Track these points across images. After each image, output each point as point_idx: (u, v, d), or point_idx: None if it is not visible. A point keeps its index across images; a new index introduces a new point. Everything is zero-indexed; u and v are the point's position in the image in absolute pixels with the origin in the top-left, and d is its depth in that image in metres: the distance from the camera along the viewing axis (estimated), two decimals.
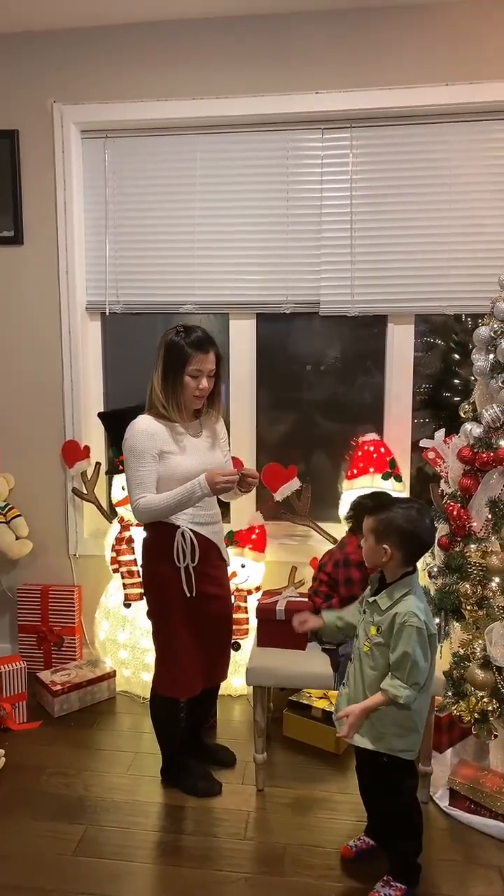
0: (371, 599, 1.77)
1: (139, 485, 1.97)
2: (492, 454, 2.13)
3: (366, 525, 1.76)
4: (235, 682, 2.79)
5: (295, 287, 2.87)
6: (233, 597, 2.74)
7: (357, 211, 2.79)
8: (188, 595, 2.03)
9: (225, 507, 2.28)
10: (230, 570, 2.52)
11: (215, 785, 2.22)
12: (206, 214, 2.88)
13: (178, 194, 2.89)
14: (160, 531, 2.04)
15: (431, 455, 2.69)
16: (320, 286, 2.84)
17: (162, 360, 2.03)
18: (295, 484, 2.85)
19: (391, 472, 2.81)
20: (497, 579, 2.10)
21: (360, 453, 2.84)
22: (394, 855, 1.83)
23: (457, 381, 3.19)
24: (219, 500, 2.18)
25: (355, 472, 2.83)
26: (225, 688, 2.78)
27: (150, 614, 2.14)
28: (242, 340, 2.99)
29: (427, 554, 2.43)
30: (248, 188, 2.84)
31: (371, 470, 2.81)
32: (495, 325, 2.16)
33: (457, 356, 3.16)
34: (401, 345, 2.92)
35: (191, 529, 2.03)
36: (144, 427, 2.01)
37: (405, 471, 2.98)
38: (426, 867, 1.89)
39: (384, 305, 2.84)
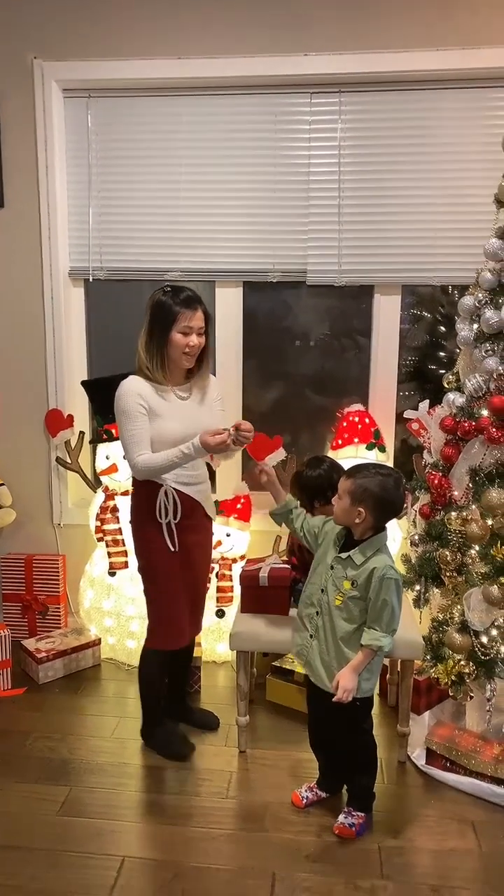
0: (344, 556, 1.83)
1: (135, 443, 1.99)
2: (473, 423, 2.14)
3: (342, 486, 1.83)
4: (220, 649, 2.83)
5: (282, 255, 2.84)
6: (217, 565, 2.78)
7: (345, 178, 2.75)
8: (172, 550, 2.07)
9: (211, 477, 2.29)
10: (215, 539, 2.55)
11: (187, 747, 2.26)
12: (192, 179, 2.83)
13: (163, 157, 2.83)
14: (146, 490, 2.07)
15: (415, 426, 2.71)
16: (307, 254, 2.82)
17: (148, 321, 2.03)
18: (280, 454, 2.86)
19: (375, 442, 2.83)
20: (476, 546, 2.14)
21: (345, 424, 2.85)
22: (355, 787, 1.97)
23: (442, 353, 3.20)
24: (208, 465, 2.21)
25: (340, 442, 2.84)
26: (209, 654, 2.83)
27: (140, 570, 2.18)
28: (229, 308, 2.96)
29: (409, 522, 2.48)
30: (234, 152, 2.79)
31: (356, 440, 2.83)
32: (480, 295, 2.16)
33: (443, 328, 3.16)
34: (387, 316, 2.91)
35: (174, 489, 2.06)
36: (132, 386, 2.02)
37: (389, 442, 3.00)
38: (403, 823, 1.96)
39: (371, 276, 2.83)
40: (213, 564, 2.64)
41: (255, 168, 2.79)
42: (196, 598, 2.24)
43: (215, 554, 2.71)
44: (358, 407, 2.87)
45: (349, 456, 2.75)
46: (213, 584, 2.76)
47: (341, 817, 1.93)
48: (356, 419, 2.83)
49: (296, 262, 2.83)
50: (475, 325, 2.18)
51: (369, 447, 2.81)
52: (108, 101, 2.82)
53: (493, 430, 2.07)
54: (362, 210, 2.77)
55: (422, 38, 2.57)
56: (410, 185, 2.72)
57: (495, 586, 2.04)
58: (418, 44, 2.57)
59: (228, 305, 2.96)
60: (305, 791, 2.04)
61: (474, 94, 2.65)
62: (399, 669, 2.25)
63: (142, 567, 2.17)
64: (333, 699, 1.79)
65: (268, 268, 2.85)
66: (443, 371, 2.80)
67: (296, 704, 2.51)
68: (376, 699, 2.57)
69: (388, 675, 2.55)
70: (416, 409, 2.69)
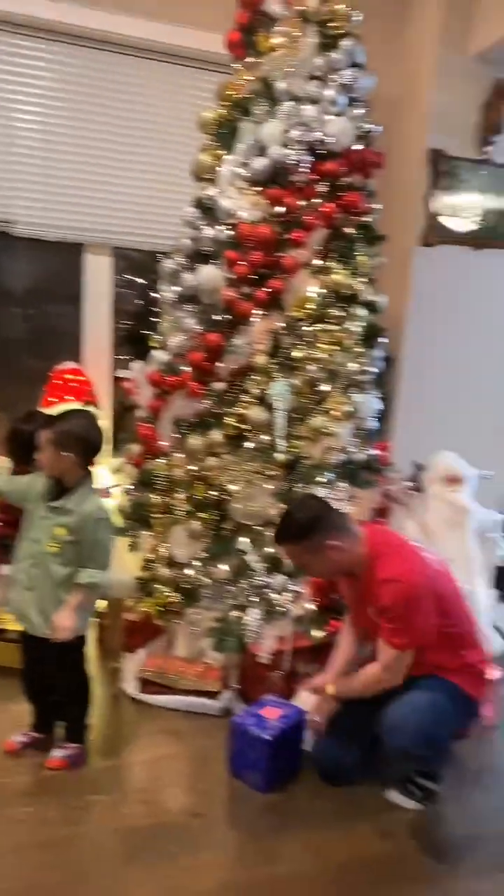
0: (55, 505, 1.87)
1: None
2: (176, 377, 2.36)
3: (44, 437, 1.86)
4: None
5: None
6: None
7: (54, 130, 2.72)
8: None
9: None
10: None
11: None
12: None
13: None
14: None
15: (129, 385, 2.85)
16: (12, 203, 2.71)
17: None
18: None
19: (90, 401, 2.89)
20: (181, 489, 2.37)
21: (58, 382, 2.85)
22: (70, 721, 2.04)
23: (155, 319, 3.39)
24: None
25: (53, 400, 2.83)
26: None
27: None
28: None
29: (124, 473, 2.62)
30: None
31: (70, 398, 2.84)
32: (180, 260, 2.37)
33: (155, 294, 3.35)
34: (98, 277, 2.98)
35: None
36: None
37: (107, 404, 3.09)
38: (116, 745, 2.11)
39: (81, 233, 2.85)
40: None
41: None
42: None
43: None
44: (71, 364, 2.89)
45: None
46: None
47: (54, 751, 1.98)
48: (70, 377, 2.85)
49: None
50: (176, 288, 2.39)
51: (85, 405, 2.86)
52: None
53: (193, 383, 2.31)
54: (73, 167, 2.77)
55: (135, 6, 2.65)
56: (121, 149, 2.82)
57: (196, 522, 2.30)
58: (130, 9, 2.65)
59: None
60: (20, 737, 2.05)
61: (180, 72, 2.84)
62: (112, 610, 2.39)
63: None
64: (52, 639, 1.83)
65: None
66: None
67: (14, 662, 2.47)
68: (94, 643, 2.70)
69: (103, 619, 2.67)
70: (129, 369, 2.82)
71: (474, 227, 3.03)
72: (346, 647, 2.08)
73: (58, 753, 1.98)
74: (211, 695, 2.29)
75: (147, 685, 2.39)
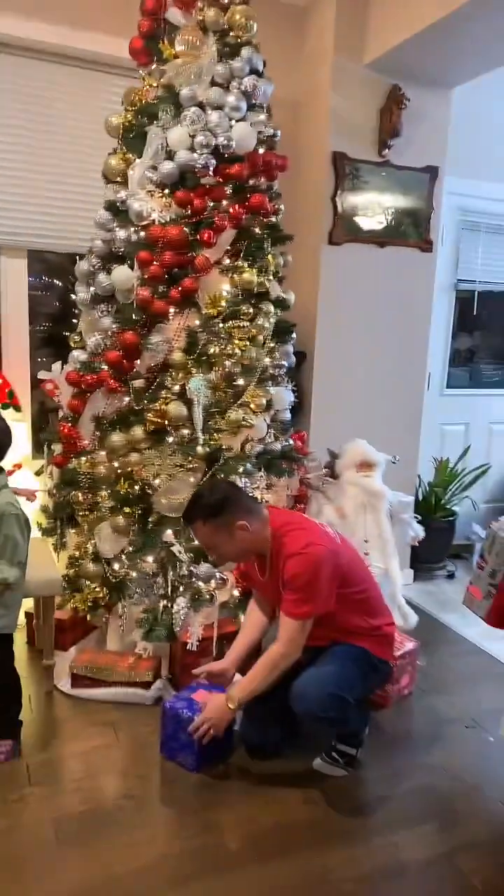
0: None
1: None
2: (95, 376, 2.40)
3: None
4: None
5: None
6: None
7: None
8: None
9: None
10: None
11: None
12: None
13: None
14: None
15: (49, 386, 2.86)
16: None
17: None
18: None
19: (10, 402, 2.88)
20: (104, 486, 2.42)
21: None
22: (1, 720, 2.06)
23: (75, 320, 3.40)
24: None
25: None
26: None
27: None
28: None
29: (46, 475, 2.63)
30: None
31: None
32: (93, 261, 2.41)
33: (73, 296, 3.36)
34: (15, 279, 2.97)
35: None
36: None
37: (27, 406, 3.07)
38: (51, 740, 2.14)
39: None
40: None
41: None
42: None
43: None
44: None
45: None
46: None
47: None
48: None
49: None
50: (91, 289, 2.43)
51: (4, 407, 2.85)
52: None
53: (111, 381, 2.36)
54: None
55: (42, 12, 2.67)
56: (34, 153, 2.82)
57: (120, 517, 2.35)
58: (37, 15, 2.66)
59: None
60: None
61: (90, 76, 2.87)
62: (42, 608, 2.41)
63: None
64: None
65: None
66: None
67: None
68: (24, 646, 2.70)
69: (34, 622, 2.69)
70: (49, 371, 2.83)
71: (378, 226, 3.22)
72: (249, 633, 2.16)
73: None
74: (143, 685, 2.36)
75: (79, 680, 2.43)
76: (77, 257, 3.23)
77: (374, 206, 3.20)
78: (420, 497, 3.68)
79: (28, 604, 2.64)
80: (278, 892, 1.62)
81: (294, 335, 2.69)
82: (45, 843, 1.74)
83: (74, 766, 2.05)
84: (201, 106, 2.29)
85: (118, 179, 2.42)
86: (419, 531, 2.90)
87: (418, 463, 3.55)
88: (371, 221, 3.20)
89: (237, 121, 2.31)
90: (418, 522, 2.93)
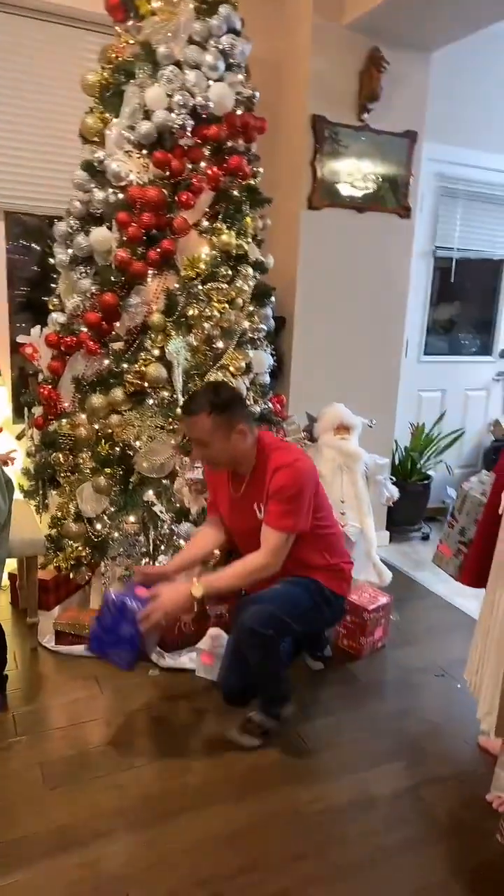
0: None
1: None
2: (75, 338, 2.41)
3: None
4: None
5: None
6: None
7: None
8: None
9: None
10: None
11: None
12: None
13: None
14: None
15: (29, 350, 2.86)
16: None
17: None
18: None
19: None
20: (85, 447, 2.45)
21: None
22: None
23: (53, 285, 3.38)
24: None
25: None
26: None
27: None
28: None
29: (26, 438, 2.66)
30: None
31: None
32: (71, 222, 2.41)
33: (51, 259, 3.34)
34: None
35: None
36: None
37: (6, 371, 3.07)
38: (36, 693, 2.21)
39: None
40: None
41: None
42: None
43: None
44: None
45: None
46: None
47: None
48: None
49: None
50: (70, 251, 2.42)
51: None
52: None
53: (91, 343, 2.37)
54: None
55: None
56: (8, 111, 2.76)
57: (102, 478, 2.39)
58: None
59: None
60: None
61: (65, 31, 2.81)
62: (25, 569, 2.45)
63: None
64: None
65: None
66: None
67: None
68: (8, 607, 2.76)
69: (17, 582, 2.73)
70: (28, 335, 2.83)
71: (357, 191, 3.23)
72: (200, 544, 2.13)
73: None
74: None
75: (63, 637, 2.49)
76: (55, 220, 3.24)
77: (353, 172, 3.20)
78: (397, 461, 3.77)
79: (12, 565, 2.68)
80: (254, 825, 1.71)
81: (273, 299, 2.72)
82: (32, 786, 1.81)
83: (60, 716, 2.12)
84: (178, 65, 2.27)
85: (95, 139, 2.41)
86: (394, 492, 2.99)
87: (395, 427, 3.62)
88: (350, 187, 3.21)
89: (215, 81, 2.30)
90: (393, 484, 3.01)
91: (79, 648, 2.46)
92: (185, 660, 2.39)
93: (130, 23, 2.39)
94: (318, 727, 2.10)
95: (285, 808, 1.78)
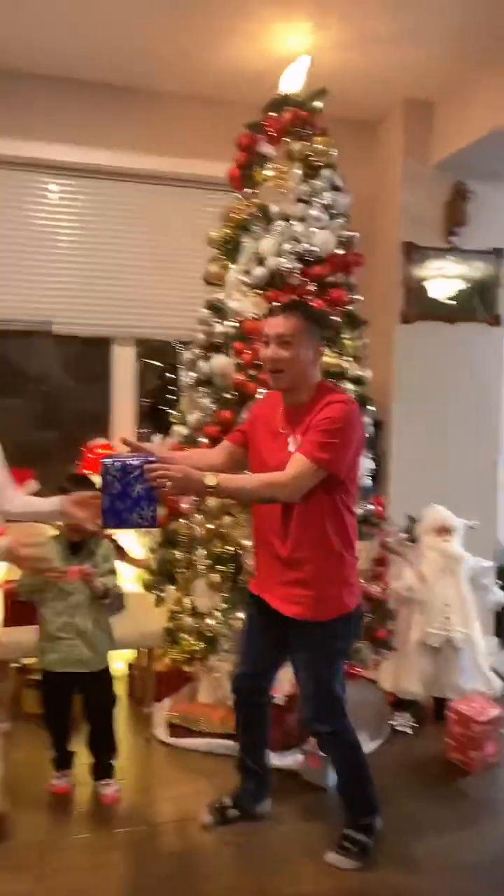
0: None
1: None
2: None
3: None
4: None
5: (30, 307, 3.23)
6: None
7: (87, 249, 3.27)
8: None
9: None
10: None
11: None
12: None
13: None
14: None
15: None
16: (54, 308, 3.25)
17: None
18: (33, 486, 3.09)
19: None
20: (200, 547, 2.68)
21: (90, 456, 3.23)
22: (104, 760, 2.27)
23: (171, 396, 3.83)
24: None
25: (87, 472, 3.20)
26: None
27: None
28: None
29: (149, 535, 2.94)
30: None
31: None
32: (196, 351, 2.79)
33: (171, 375, 3.80)
34: (123, 364, 3.44)
35: None
36: None
37: None
38: (149, 782, 2.34)
39: (110, 329, 3.36)
40: None
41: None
42: None
43: None
44: (102, 441, 3.28)
45: None
46: None
47: (104, 789, 2.23)
48: (101, 451, 3.23)
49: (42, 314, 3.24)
50: (192, 374, 2.79)
51: None
52: None
53: None
54: (104, 276, 3.30)
55: (143, 144, 3.23)
56: (143, 260, 3.35)
57: (215, 574, 2.60)
58: (138, 148, 3.21)
59: None
60: (58, 780, 2.28)
61: (189, 194, 3.40)
62: (143, 660, 2.66)
63: None
64: None
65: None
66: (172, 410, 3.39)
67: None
68: (123, 696, 2.95)
69: (132, 671, 2.93)
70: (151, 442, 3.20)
71: (447, 304, 3.47)
72: (212, 456, 2.05)
73: (108, 791, 2.24)
74: (233, 737, 2.51)
75: (174, 729, 2.62)
76: (174, 342, 3.72)
77: (442, 287, 3.46)
78: (502, 564, 3.71)
79: (130, 655, 2.90)
80: None
81: (373, 408, 2.92)
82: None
83: (171, 809, 2.22)
84: (288, 219, 2.66)
85: (217, 282, 2.82)
86: (501, 596, 2.96)
87: (497, 529, 3.61)
88: (440, 300, 3.46)
89: (319, 229, 2.66)
90: (501, 588, 2.99)
91: (189, 742, 2.58)
92: (290, 761, 2.44)
93: (247, 190, 2.84)
94: (429, 846, 2.04)
95: None
